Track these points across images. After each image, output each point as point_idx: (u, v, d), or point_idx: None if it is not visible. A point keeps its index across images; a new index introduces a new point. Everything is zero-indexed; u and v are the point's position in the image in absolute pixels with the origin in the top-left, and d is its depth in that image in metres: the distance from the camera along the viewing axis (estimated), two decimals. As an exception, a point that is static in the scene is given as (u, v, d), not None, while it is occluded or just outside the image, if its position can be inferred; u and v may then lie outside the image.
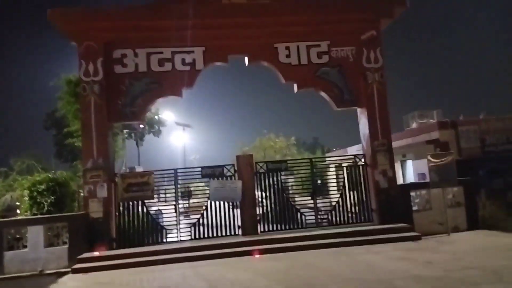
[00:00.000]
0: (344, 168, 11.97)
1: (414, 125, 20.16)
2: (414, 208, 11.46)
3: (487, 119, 15.04)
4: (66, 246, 10.33)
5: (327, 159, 12.84)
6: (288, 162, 11.80)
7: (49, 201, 11.05)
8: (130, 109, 11.19)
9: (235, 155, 12.41)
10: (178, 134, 36.64)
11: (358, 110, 12.23)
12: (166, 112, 29.78)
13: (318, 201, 11.76)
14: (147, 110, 11.45)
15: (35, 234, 10.27)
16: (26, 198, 11.23)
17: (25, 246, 10.30)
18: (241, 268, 8.49)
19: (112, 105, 11.08)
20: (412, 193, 11.59)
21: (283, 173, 11.85)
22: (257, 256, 9.59)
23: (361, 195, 11.84)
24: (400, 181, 14.88)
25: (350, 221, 11.75)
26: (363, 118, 12.02)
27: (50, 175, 11.47)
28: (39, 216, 10.77)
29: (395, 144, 11.74)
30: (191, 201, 12.88)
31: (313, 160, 12.07)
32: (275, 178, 11.68)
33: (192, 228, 11.22)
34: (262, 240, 10.42)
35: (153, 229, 11.20)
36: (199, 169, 11.64)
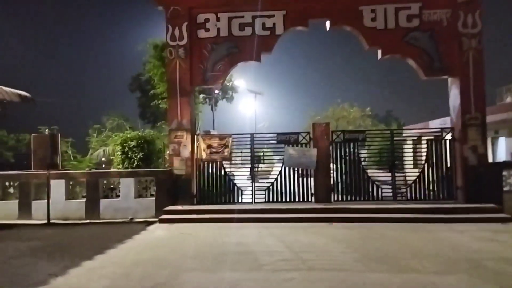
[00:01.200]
0: (428, 142, 11.24)
1: (508, 99, 18.12)
2: (506, 188, 10.52)
3: None
4: (153, 198, 11.33)
5: (409, 131, 12.11)
6: (367, 132, 11.40)
7: (138, 156, 12.08)
8: (211, 73, 11.54)
9: (306, 124, 12.36)
10: (250, 101, 37.20)
11: (449, 79, 11.26)
12: (239, 79, 30.28)
13: (396, 174, 11.30)
14: (226, 74, 11.72)
15: (127, 185, 11.40)
16: (119, 153, 12.39)
17: (118, 196, 11.51)
18: (315, 233, 8.61)
19: (195, 69, 11.52)
20: (505, 173, 10.61)
21: (360, 144, 11.50)
22: (330, 223, 9.63)
23: (445, 171, 11.11)
24: (490, 159, 13.65)
25: (431, 197, 11.16)
26: (454, 88, 11.06)
27: (139, 133, 12.45)
28: (130, 169, 11.86)
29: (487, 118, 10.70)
30: (260, 166, 13.13)
31: (394, 131, 11.48)
32: (351, 149, 11.41)
33: (266, 191, 11.55)
34: (336, 209, 10.40)
35: (229, 190, 11.75)
36: (275, 134, 11.76)
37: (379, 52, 11.30)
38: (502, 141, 14.24)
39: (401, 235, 8.33)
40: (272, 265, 6.17)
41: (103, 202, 11.44)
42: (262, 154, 12.40)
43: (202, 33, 11.56)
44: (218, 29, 11.51)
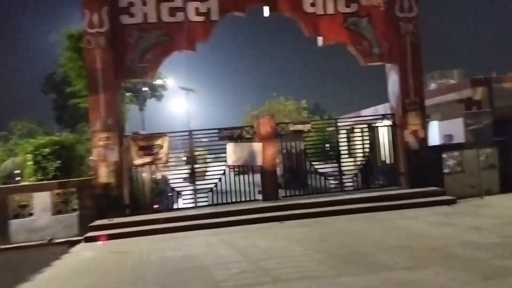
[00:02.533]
0: (370, 129, 11.11)
1: (433, 85, 19.15)
2: (445, 170, 10.75)
3: (524, 77, 14.02)
4: (76, 213, 9.69)
5: (351, 119, 11.92)
6: (312, 122, 10.91)
7: (54, 165, 10.26)
8: (140, 65, 10.15)
9: (243, 120, 11.56)
10: (181, 100, 35.45)
11: (388, 65, 11.20)
12: (169, 76, 28.57)
13: (341, 165, 11.01)
14: (158, 66, 10.40)
15: (42, 201, 9.61)
16: (30, 163, 10.44)
17: (31, 214, 9.66)
18: (269, 235, 7.83)
19: (120, 60, 10.04)
20: (444, 155, 10.84)
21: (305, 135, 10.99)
22: (282, 222, 8.93)
23: (389, 158, 11.06)
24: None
25: (376, 185, 11.05)
26: (393, 74, 11.02)
27: (54, 138, 10.61)
28: (45, 181, 10.02)
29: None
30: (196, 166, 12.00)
31: (337, 121, 11.16)
32: (297, 141, 10.85)
33: (209, 193, 10.51)
34: (286, 206, 9.75)
35: (168, 195, 10.51)
36: (216, 130, 10.75)
37: (320, 39, 10.87)
38: (435, 125, 14.87)
39: (358, 227, 7.91)
40: (231, 281, 5.22)
41: (14, 223, 9.54)
42: (202, 152, 11.31)
43: (126, 19, 10.08)
44: (145, 14, 10.13)
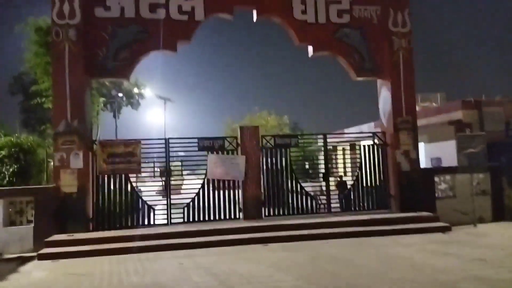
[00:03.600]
0: (362, 147, 10.49)
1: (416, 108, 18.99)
2: (437, 195, 10.21)
3: (513, 101, 13.91)
4: (31, 225, 8.47)
5: (342, 136, 11.31)
6: (299, 136, 10.19)
7: (11, 170, 9.06)
8: (113, 63, 9.20)
9: (223, 133, 10.71)
10: (158, 110, 34.21)
11: (379, 81, 10.74)
12: (146, 85, 27.44)
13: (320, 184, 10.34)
14: (134, 65, 9.46)
15: (-8, 210, 8.34)
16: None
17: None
18: (251, 260, 6.92)
19: (91, 57, 9.07)
20: (436, 179, 10.32)
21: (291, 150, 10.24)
22: (266, 245, 8.05)
23: (378, 179, 10.44)
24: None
25: (365, 208, 10.36)
26: (384, 90, 10.53)
27: (12, 139, 9.41)
28: (-3, 188, 8.78)
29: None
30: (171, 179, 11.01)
31: (327, 136, 10.48)
32: (283, 156, 10.08)
33: (185, 209, 9.51)
34: (269, 226, 8.88)
35: (138, 209, 9.43)
36: (195, 140, 9.84)
37: (310, 48, 10.28)
38: (421, 147, 14.48)
39: (350, 254, 7.12)
40: (208, 321, 4.27)
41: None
42: (179, 164, 10.34)
43: (100, 12, 9.16)
44: (122, 8, 9.24)
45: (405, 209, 9.78)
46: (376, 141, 10.55)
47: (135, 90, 26.27)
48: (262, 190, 9.81)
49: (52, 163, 9.09)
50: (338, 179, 11.50)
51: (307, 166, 12.24)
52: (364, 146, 10.56)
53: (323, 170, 10.49)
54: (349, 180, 11.14)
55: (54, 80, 8.89)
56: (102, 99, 19.53)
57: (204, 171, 9.78)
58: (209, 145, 9.82)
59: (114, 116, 24.98)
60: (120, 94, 22.41)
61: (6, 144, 9.21)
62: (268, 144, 10.07)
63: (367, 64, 10.40)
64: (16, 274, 6.70)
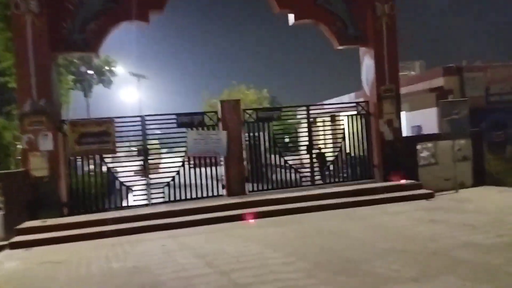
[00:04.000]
0: (346, 118, 10.28)
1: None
2: (420, 163, 10.20)
3: (494, 66, 13.91)
4: (1, 213, 7.91)
5: (326, 107, 11.02)
6: (282, 109, 9.84)
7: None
8: (80, 36, 8.50)
9: (201, 109, 10.25)
10: (132, 88, 32.91)
11: (362, 49, 10.46)
12: (118, 62, 26.17)
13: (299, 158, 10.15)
14: (103, 38, 8.76)
15: (-45, 198, 7.73)
16: None
17: None
18: (237, 237, 6.69)
19: (56, 30, 8.33)
20: (418, 147, 10.28)
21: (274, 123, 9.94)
22: (250, 221, 7.83)
23: (361, 149, 10.32)
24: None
25: (348, 179, 10.29)
26: (367, 59, 10.27)
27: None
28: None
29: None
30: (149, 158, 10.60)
31: (309, 108, 10.18)
32: (265, 129, 9.77)
33: (166, 189, 9.14)
34: (254, 202, 8.64)
35: (115, 191, 8.99)
36: (174, 116, 9.36)
37: (291, 16, 9.82)
38: (402, 116, 14.43)
39: (339, 226, 6.99)
40: (197, 305, 4.01)
41: None
42: (157, 142, 9.84)
43: (63, -21, 8.37)
44: (87, -25, 8.47)
45: (389, 179, 9.75)
46: (358, 111, 10.36)
47: (106, 67, 25.12)
48: (245, 166, 9.53)
49: (18, 146, 8.45)
50: (318, 151, 11.28)
51: (287, 140, 12.01)
52: (347, 116, 10.36)
53: (304, 143, 10.28)
54: (329, 152, 11.01)
55: (17, 56, 8.15)
56: (71, 77, 18.48)
57: (183, 149, 9.37)
58: (188, 121, 9.38)
59: (85, 95, 23.87)
60: (90, 72, 21.23)
61: (-34, 127, 8.48)
62: (250, 118, 9.71)
63: (350, 32, 10.06)
64: (-14, 265, 6.24)
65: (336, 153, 10.44)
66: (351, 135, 10.29)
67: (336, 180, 10.26)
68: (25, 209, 7.94)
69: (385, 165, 9.90)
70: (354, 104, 10.64)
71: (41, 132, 8.06)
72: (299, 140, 10.68)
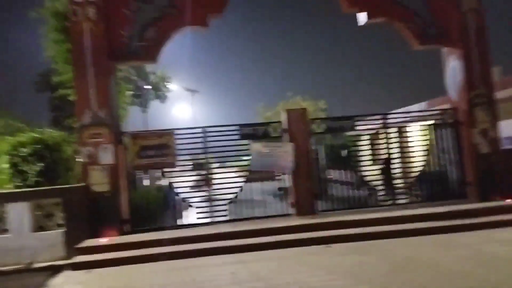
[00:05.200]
0: (430, 128, 9.01)
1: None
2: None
3: None
4: (61, 230, 7.58)
5: (403, 115, 9.77)
6: (356, 118, 8.80)
7: (37, 169, 8.18)
8: (139, 44, 8.12)
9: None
10: (185, 103, 33.27)
11: (446, 50, 9.21)
12: (171, 77, 26.56)
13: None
14: (161, 45, 8.33)
15: (18, 214, 7.53)
16: (6, 166, 8.36)
17: (6, 231, 7.56)
18: (316, 267, 5.71)
19: (114, 37, 8.03)
20: (519, 161, 8.71)
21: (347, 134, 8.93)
22: (329, 246, 6.80)
23: (450, 163, 8.95)
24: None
25: (435, 198, 8.88)
26: (453, 60, 8.99)
27: (35, 136, 8.52)
28: (23, 189, 7.92)
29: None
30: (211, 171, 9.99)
31: (386, 116, 9.03)
32: (336, 141, 8.79)
33: (229, 206, 8.40)
34: (327, 224, 7.61)
35: (176, 208, 8.41)
36: (236, 127, 8.67)
37: (363, 15, 8.83)
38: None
39: (433, 257, 5.77)
40: None
41: (-17, 242, 7.41)
42: (218, 155, 9.16)
43: (122, -14, 8.09)
44: (147, -19, 8.14)
45: (486, 198, 8.29)
46: (444, 119, 9.03)
47: (162, 83, 25.56)
48: (314, 182, 8.56)
49: (78, 159, 8.16)
50: (384, 165, 9.92)
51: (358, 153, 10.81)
52: (430, 125, 9.07)
53: (376, 156, 9.11)
54: (409, 167, 9.68)
55: (75, 66, 7.91)
56: (129, 93, 18.72)
57: (247, 163, 8.62)
58: (252, 132, 8.65)
59: (143, 111, 24.28)
60: (147, 86, 21.53)
61: (29, 141, 8.33)
62: (318, 128, 8.79)
63: (431, 30, 8.86)
64: (44, 290, 5.79)
65: (417, 168, 9.14)
66: (438, 148, 8.97)
67: (419, 199, 8.94)
68: (85, 226, 7.55)
69: (481, 182, 8.46)
70: (439, 112, 9.30)
71: (101, 144, 7.69)
72: (372, 153, 9.51)
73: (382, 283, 4.80)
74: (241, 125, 8.67)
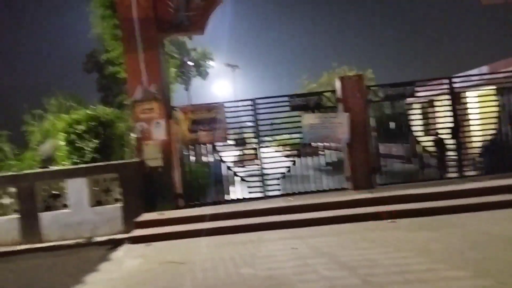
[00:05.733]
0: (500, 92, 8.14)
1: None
2: None
3: None
4: (119, 205, 7.74)
5: (472, 78, 8.86)
6: (416, 84, 8.08)
7: (93, 146, 8.36)
8: (186, 14, 7.86)
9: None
10: (224, 81, 33.06)
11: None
12: (212, 53, 26.33)
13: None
14: (208, 15, 8.03)
15: (77, 189, 7.75)
16: (63, 143, 8.62)
17: (65, 206, 7.84)
18: (381, 243, 5.36)
19: (161, 9, 7.83)
20: None
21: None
22: (393, 221, 6.40)
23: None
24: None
25: (502, 170, 8.10)
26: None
27: (89, 113, 8.67)
28: (80, 165, 8.14)
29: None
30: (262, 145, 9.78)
31: (452, 80, 8.24)
32: (395, 110, 8.19)
33: (281, 180, 8.17)
34: (386, 198, 7.17)
35: (228, 182, 8.30)
36: (285, 99, 8.30)
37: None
38: None
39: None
40: None
41: (45, 217, 7.75)
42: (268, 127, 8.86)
43: (168, -46, 7.79)
44: None
45: None
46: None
47: (203, 60, 25.49)
48: (371, 154, 8.09)
49: (132, 135, 8.22)
50: (435, 137, 9.13)
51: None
52: (500, 89, 8.19)
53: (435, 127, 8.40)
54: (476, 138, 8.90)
55: (124, 39, 7.83)
56: (173, 70, 18.77)
57: (299, 136, 8.29)
58: (303, 102, 8.25)
59: (186, 89, 24.38)
60: (190, 63, 21.51)
61: (83, 118, 8.49)
62: (374, 96, 8.20)
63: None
64: (107, 263, 5.90)
65: (483, 137, 8.37)
66: (503, 114, 8.12)
67: (483, 172, 8.21)
68: (141, 201, 7.66)
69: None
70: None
71: (154, 120, 7.65)
72: (432, 122, 8.81)
73: (463, 261, 4.38)
74: (292, 96, 8.28)
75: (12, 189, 7.83)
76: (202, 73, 26.46)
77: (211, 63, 26.60)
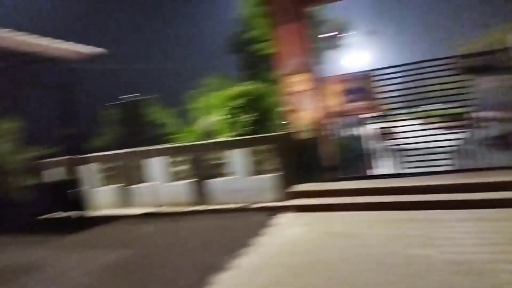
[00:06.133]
0: None
1: None
2: None
3: None
4: (272, 175, 8.09)
5: None
6: None
7: (250, 119, 8.86)
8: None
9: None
10: (361, 51, 31.15)
11: None
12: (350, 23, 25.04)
13: None
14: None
15: (238, 159, 8.42)
16: (223, 117, 9.39)
17: (226, 174, 8.61)
18: None
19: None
20: None
21: None
22: None
23: None
24: None
25: None
26: None
27: (245, 88, 9.20)
28: (242, 137, 8.73)
29: None
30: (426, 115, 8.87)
31: None
32: None
33: (455, 155, 7.27)
34: None
35: (380, 156, 7.82)
36: (452, 60, 7.20)
37: None
38: None
39: None
40: None
41: (212, 183, 8.67)
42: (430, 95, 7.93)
43: None
44: None
45: None
46: None
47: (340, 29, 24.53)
48: None
49: (281, 108, 8.40)
50: None
51: None
52: None
53: None
54: None
55: (271, 13, 7.83)
56: (319, 40, 18.48)
57: (470, 103, 7.16)
58: (472, 64, 7.05)
59: (332, 53, 23.81)
60: (334, 32, 20.95)
61: (241, 93, 9.04)
62: None
63: None
64: (273, 228, 6.18)
65: None
66: None
67: None
68: (295, 172, 7.84)
69: None
70: None
71: (303, 92, 7.64)
72: None
73: None
74: (457, 57, 7.16)
75: (185, 158, 8.95)
76: (339, 45, 25.55)
77: (348, 32, 25.44)
